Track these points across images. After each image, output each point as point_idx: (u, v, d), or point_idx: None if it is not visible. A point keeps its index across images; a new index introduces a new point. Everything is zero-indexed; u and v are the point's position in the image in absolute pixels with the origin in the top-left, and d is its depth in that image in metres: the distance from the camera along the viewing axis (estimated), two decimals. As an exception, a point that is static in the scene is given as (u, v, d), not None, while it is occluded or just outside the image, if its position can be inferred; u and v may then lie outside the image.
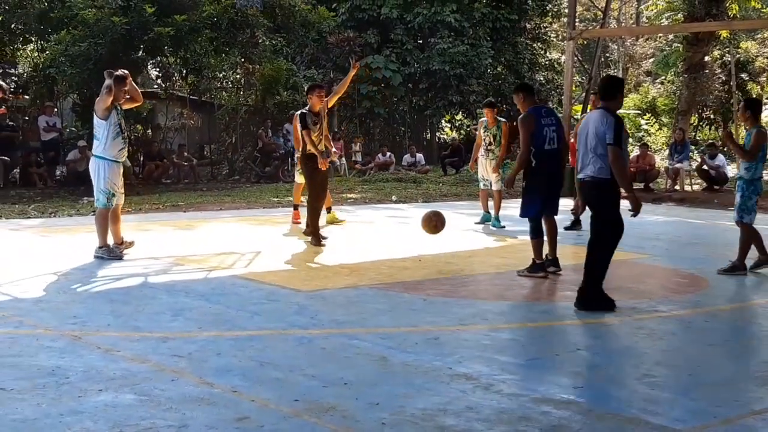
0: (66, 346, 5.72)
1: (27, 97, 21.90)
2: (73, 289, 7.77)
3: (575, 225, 12.29)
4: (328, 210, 12.83)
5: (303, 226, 11.84)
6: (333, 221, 12.85)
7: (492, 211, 12.80)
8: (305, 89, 11.78)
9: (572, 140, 18.58)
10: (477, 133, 13.40)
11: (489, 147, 12.70)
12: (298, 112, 11.18)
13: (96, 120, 9.25)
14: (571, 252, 9.92)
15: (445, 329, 6.50)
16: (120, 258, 9.29)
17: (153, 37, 18.13)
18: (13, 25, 20.95)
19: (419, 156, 24.88)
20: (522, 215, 8.85)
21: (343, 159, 23.52)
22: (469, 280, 8.69)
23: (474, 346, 6.03)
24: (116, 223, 9.55)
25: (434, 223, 9.63)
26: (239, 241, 10.92)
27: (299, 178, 12.66)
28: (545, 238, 8.79)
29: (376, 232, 12.48)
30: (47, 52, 19.72)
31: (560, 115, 21.21)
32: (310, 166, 10.86)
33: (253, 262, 9.36)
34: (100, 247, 9.36)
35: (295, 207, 13.06)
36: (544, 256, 8.77)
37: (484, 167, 12.80)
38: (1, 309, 6.78)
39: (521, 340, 6.51)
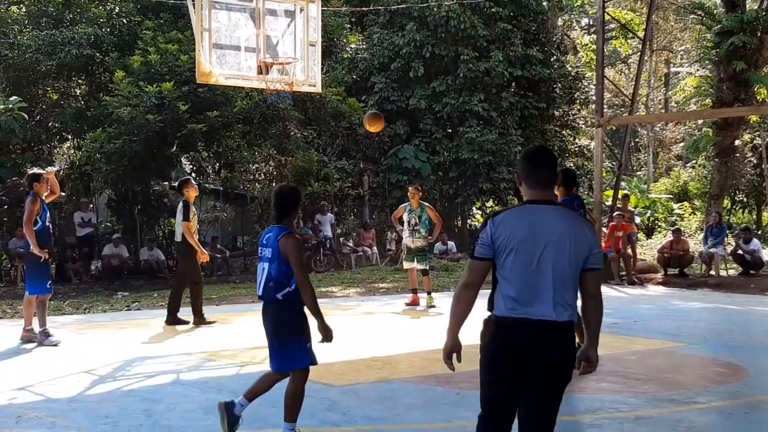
0: (97, 447, 5.70)
1: (63, 194, 22.27)
2: (106, 387, 7.77)
3: None
4: (429, 293, 14.06)
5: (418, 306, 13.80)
6: (430, 304, 13.90)
7: None
8: (177, 185, 12.38)
9: (614, 223, 18.85)
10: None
11: None
12: (181, 204, 11.85)
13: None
14: (606, 341, 9.77)
15: (479, 424, 6.38)
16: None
17: (186, 133, 18.48)
18: (50, 124, 21.47)
19: (451, 244, 24.84)
20: None
21: (375, 248, 23.57)
22: (503, 372, 8.56)
23: (508, 442, 5.91)
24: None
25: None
26: (271, 335, 10.87)
27: (407, 264, 14.17)
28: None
29: (408, 323, 12.42)
30: (83, 149, 20.13)
31: (591, 200, 21.25)
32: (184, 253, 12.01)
33: (285, 357, 9.30)
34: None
35: (414, 291, 14.23)
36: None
37: None
38: (34, 409, 6.79)
39: (556, 435, 6.39)
